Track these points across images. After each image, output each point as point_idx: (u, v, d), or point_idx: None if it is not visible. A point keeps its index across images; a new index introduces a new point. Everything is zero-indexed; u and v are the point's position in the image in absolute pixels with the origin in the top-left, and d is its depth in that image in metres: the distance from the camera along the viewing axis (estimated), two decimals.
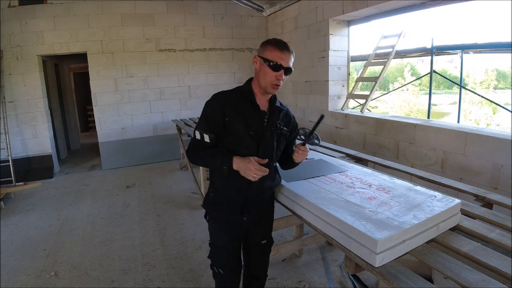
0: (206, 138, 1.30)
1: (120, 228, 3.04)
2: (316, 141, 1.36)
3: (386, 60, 3.71)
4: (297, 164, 1.47)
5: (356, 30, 4.14)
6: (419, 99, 13.10)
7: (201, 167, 3.52)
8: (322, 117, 1.31)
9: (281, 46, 1.26)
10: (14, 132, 4.60)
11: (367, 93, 3.94)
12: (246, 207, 1.41)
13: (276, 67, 1.26)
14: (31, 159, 4.74)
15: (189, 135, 3.88)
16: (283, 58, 1.26)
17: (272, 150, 1.36)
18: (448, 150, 2.74)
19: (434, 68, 3.28)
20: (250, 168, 1.23)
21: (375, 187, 1.42)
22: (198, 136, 1.32)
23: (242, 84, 1.39)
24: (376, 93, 4.19)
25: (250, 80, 1.38)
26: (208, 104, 1.32)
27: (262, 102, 1.36)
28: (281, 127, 1.37)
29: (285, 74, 1.29)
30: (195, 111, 5.42)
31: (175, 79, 5.32)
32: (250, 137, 1.30)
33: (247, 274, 1.68)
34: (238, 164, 1.26)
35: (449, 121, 4.28)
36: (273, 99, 1.38)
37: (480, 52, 2.97)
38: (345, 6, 3.70)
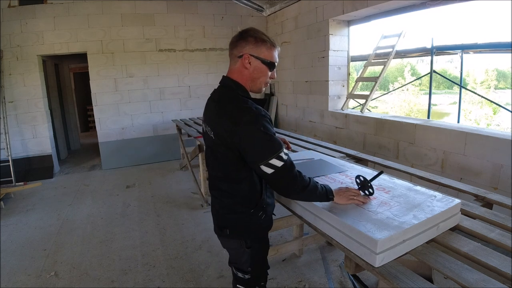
0: (287, 152, 1.16)
1: (120, 228, 3.04)
2: (370, 190, 1.31)
3: (386, 60, 3.71)
4: None
5: (356, 30, 4.15)
6: (419, 99, 13.11)
7: (201, 169, 3.53)
8: (381, 172, 1.35)
9: (275, 42, 1.20)
10: (14, 132, 4.60)
11: (367, 93, 3.94)
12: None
13: (273, 66, 1.20)
14: (31, 159, 4.74)
15: (189, 135, 3.87)
16: (276, 55, 1.21)
17: None
18: (448, 150, 2.74)
19: (434, 68, 3.28)
20: (353, 194, 1.24)
21: (375, 187, 1.42)
22: (285, 156, 1.12)
23: (227, 89, 1.21)
24: (376, 93, 4.19)
25: (237, 83, 1.19)
26: (264, 123, 1.10)
27: None
28: None
29: None
30: (195, 111, 5.42)
31: (175, 79, 5.32)
32: None
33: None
34: (338, 193, 1.23)
35: (449, 121, 4.28)
36: None
37: (480, 52, 2.97)
38: (345, 6, 3.70)
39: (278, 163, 1.10)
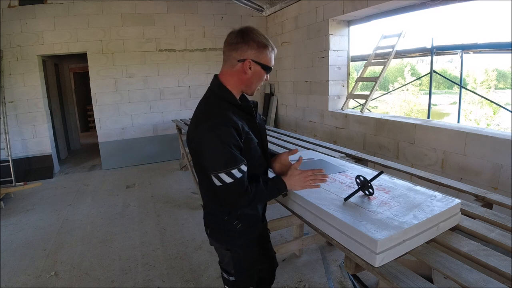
0: (244, 168, 1.08)
1: (120, 228, 3.04)
2: (370, 190, 1.30)
3: (386, 60, 3.71)
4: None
5: (356, 30, 4.15)
6: (419, 99, 13.09)
7: None
8: (381, 172, 1.35)
9: (273, 45, 1.15)
10: (14, 132, 4.60)
11: (367, 93, 3.94)
12: (264, 213, 1.41)
13: (270, 70, 1.17)
14: (31, 159, 4.74)
15: None
16: (273, 58, 1.16)
17: (267, 145, 1.33)
18: (448, 150, 2.74)
19: (434, 68, 3.28)
20: (303, 180, 1.18)
21: (375, 187, 1.42)
22: (238, 173, 1.06)
23: (212, 92, 1.18)
24: (376, 93, 4.19)
25: (223, 85, 1.15)
26: (223, 134, 1.05)
27: None
28: (263, 118, 1.32)
29: None
30: None
31: (175, 79, 5.32)
32: (257, 144, 1.21)
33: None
34: (290, 182, 1.18)
35: (449, 121, 4.28)
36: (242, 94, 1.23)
37: (480, 52, 2.97)
38: (345, 6, 3.70)
39: (227, 178, 1.05)
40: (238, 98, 1.18)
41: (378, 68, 3.95)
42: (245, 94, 1.22)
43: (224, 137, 1.05)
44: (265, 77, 1.17)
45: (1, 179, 4.10)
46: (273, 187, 1.16)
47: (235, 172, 1.05)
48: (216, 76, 1.20)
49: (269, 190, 1.15)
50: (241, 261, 1.31)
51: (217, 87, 1.16)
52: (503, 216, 1.33)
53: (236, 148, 1.07)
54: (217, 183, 1.07)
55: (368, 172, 1.68)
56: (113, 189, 4.18)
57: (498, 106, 7.40)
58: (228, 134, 1.05)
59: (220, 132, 1.05)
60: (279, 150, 2.60)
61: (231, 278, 1.35)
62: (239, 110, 1.16)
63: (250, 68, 1.12)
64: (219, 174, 1.05)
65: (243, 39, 1.10)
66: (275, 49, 1.17)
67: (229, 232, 1.24)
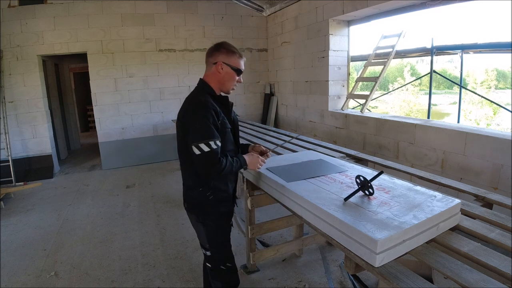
0: (219, 144, 1.37)
1: (120, 228, 3.04)
2: (370, 190, 1.31)
3: (386, 60, 3.71)
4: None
5: (356, 30, 4.15)
6: (419, 99, 13.08)
7: None
8: (381, 172, 1.41)
9: (242, 54, 1.48)
10: (14, 132, 4.60)
11: (367, 93, 3.94)
12: (234, 194, 1.64)
13: (240, 72, 1.47)
14: (31, 159, 4.74)
15: None
16: (243, 64, 1.49)
17: (239, 135, 1.64)
18: (448, 150, 2.74)
19: (434, 68, 3.28)
20: (258, 161, 1.55)
21: (375, 187, 1.42)
22: (214, 145, 1.34)
23: (198, 87, 1.49)
24: (376, 93, 4.19)
25: (206, 83, 1.47)
26: (205, 113, 1.36)
27: None
28: (237, 115, 1.65)
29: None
30: None
31: (175, 79, 5.32)
32: (230, 131, 1.50)
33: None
34: (249, 161, 1.52)
35: (449, 121, 4.28)
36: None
37: (480, 52, 2.97)
38: (345, 6, 3.71)
39: (205, 148, 1.32)
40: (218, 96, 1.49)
41: (378, 68, 3.95)
42: (223, 93, 1.52)
43: (206, 116, 1.35)
44: (237, 78, 1.48)
45: (1, 179, 4.10)
46: (238, 162, 1.47)
47: (212, 143, 1.33)
48: (201, 79, 1.51)
49: (235, 163, 1.45)
50: (214, 235, 1.52)
51: (203, 84, 1.49)
52: (503, 216, 1.34)
53: (214, 126, 1.36)
54: (196, 151, 1.33)
55: (368, 172, 1.68)
56: (113, 189, 4.18)
57: (498, 106, 7.39)
58: (208, 114, 1.36)
59: (203, 112, 1.36)
60: (279, 150, 2.61)
61: (208, 253, 1.54)
62: (217, 101, 1.46)
63: (222, 68, 1.43)
64: (199, 144, 1.32)
65: (216, 48, 1.45)
66: (244, 58, 1.50)
67: (203, 204, 1.47)
